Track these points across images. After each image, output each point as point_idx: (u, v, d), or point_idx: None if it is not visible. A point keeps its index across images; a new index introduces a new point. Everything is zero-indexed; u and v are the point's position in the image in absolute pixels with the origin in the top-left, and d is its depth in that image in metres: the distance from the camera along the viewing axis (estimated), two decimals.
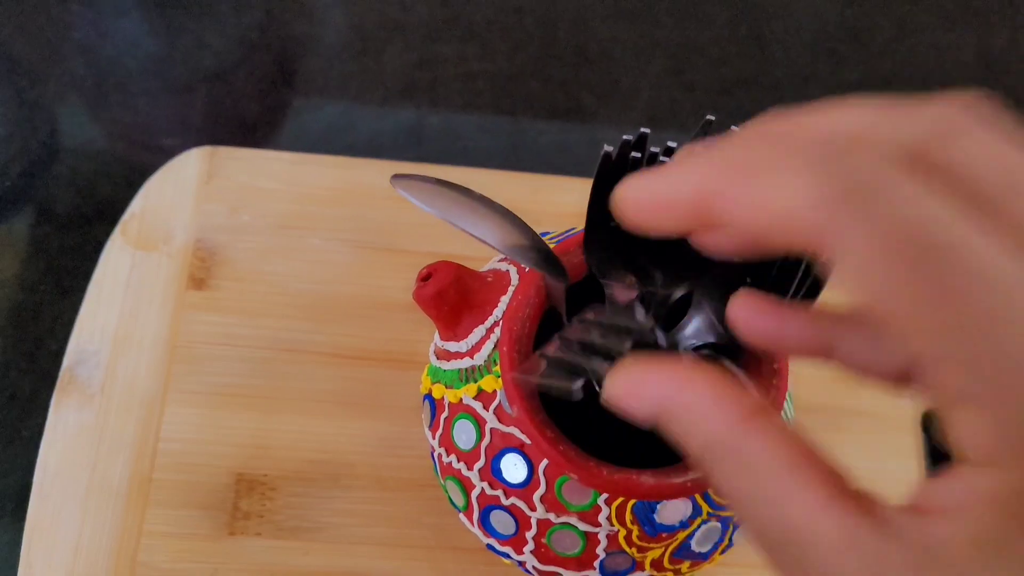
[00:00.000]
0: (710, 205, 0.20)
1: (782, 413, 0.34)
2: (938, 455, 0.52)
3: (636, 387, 0.22)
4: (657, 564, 0.34)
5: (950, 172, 0.18)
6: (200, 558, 0.44)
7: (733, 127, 0.29)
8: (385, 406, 0.48)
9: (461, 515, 0.37)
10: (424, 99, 0.60)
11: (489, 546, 0.36)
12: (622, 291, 0.32)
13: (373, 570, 0.45)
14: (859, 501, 0.19)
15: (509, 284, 0.35)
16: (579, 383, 0.26)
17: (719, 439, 0.20)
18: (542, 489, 0.32)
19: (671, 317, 0.32)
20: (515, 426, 0.32)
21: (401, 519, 0.46)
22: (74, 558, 0.44)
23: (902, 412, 0.51)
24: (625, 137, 0.29)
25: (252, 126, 0.58)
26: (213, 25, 0.61)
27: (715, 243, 0.22)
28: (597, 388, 0.33)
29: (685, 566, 0.34)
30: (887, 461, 0.50)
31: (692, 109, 0.62)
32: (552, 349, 0.29)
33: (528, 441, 0.32)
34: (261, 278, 0.50)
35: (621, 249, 0.31)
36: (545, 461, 0.32)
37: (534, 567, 0.35)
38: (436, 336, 0.38)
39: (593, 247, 0.31)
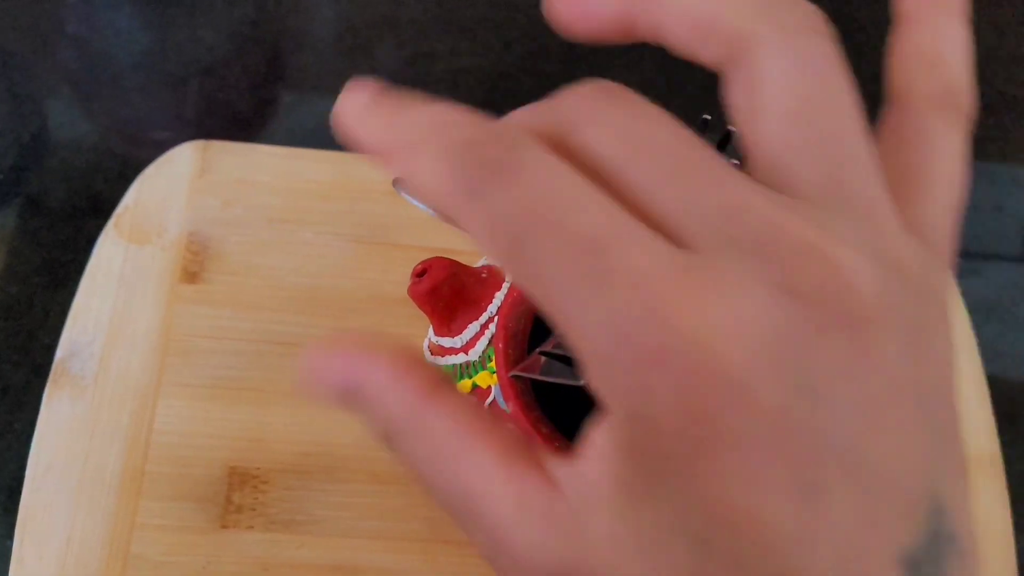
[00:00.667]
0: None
1: None
2: None
3: (322, 366, 0.21)
4: None
5: (578, 153, 0.19)
6: (193, 551, 0.44)
7: (731, 127, 0.29)
8: None
9: None
10: (416, 95, 0.60)
11: None
12: None
13: (366, 563, 0.45)
14: (530, 461, 0.19)
15: (503, 280, 0.35)
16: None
17: (400, 419, 0.20)
18: None
19: None
20: (509, 422, 0.32)
21: (395, 512, 0.46)
22: (66, 550, 0.44)
23: None
24: None
25: (245, 120, 0.58)
26: (206, 19, 0.60)
27: None
28: None
29: None
30: None
31: (682, 107, 0.63)
32: (551, 346, 0.29)
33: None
34: (254, 272, 0.50)
35: None
36: None
37: None
38: (430, 331, 0.38)
39: None
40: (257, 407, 0.47)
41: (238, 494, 0.45)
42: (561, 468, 0.19)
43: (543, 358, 0.29)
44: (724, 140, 0.30)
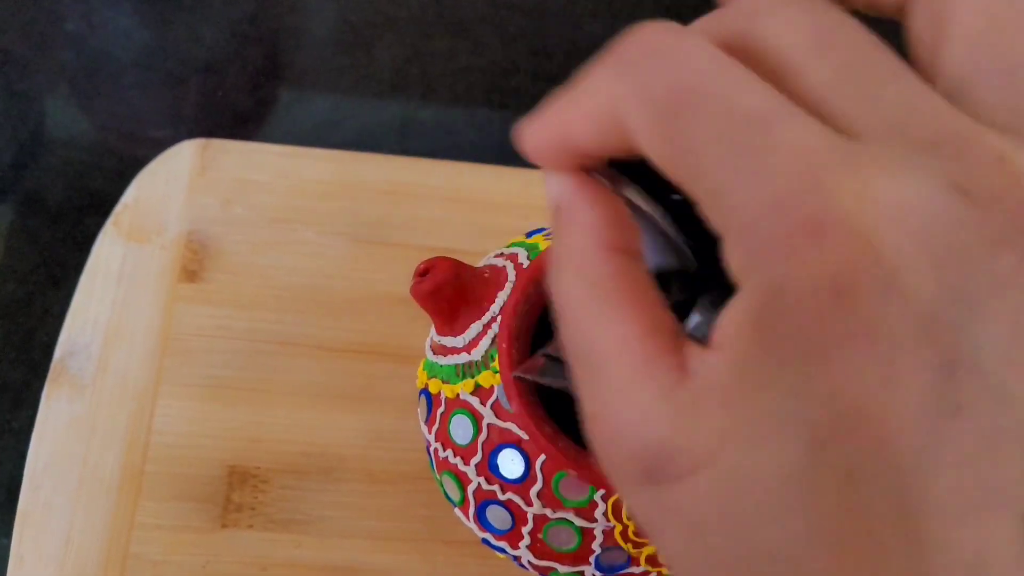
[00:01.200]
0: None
1: None
2: None
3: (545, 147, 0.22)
4: (652, 560, 0.34)
5: (754, 49, 0.18)
6: (192, 550, 0.44)
7: None
8: (378, 399, 0.48)
9: (457, 509, 0.37)
10: (415, 93, 0.60)
11: (484, 540, 0.36)
12: None
13: (365, 563, 0.45)
14: (672, 346, 0.18)
15: (506, 280, 0.35)
16: None
17: (581, 249, 0.20)
18: (539, 485, 0.33)
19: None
20: (513, 422, 0.33)
21: (393, 512, 0.46)
22: (65, 550, 0.44)
23: None
24: None
25: (244, 119, 0.58)
26: (205, 17, 0.60)
27: None
28: None
29: None
30: None
31: None
32: (555, 348, 0.29)
33: (526, 437, 0.33)
34: (254, 271, 0.50)
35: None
36: (542, 457, 0.32)
37: (529, 562, 0.35)
38: (432, 331, 0.38)
39: None
40: (256, 407, 0.47)
41: (237, 493, 0.46)
42: (697, 358, 0.18)
43: (546, 359, 0.29)
44: None
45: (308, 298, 0.50)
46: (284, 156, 0.53)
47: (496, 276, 0.36)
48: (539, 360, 0.29)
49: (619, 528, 0.33)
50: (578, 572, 0.35)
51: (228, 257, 0.50)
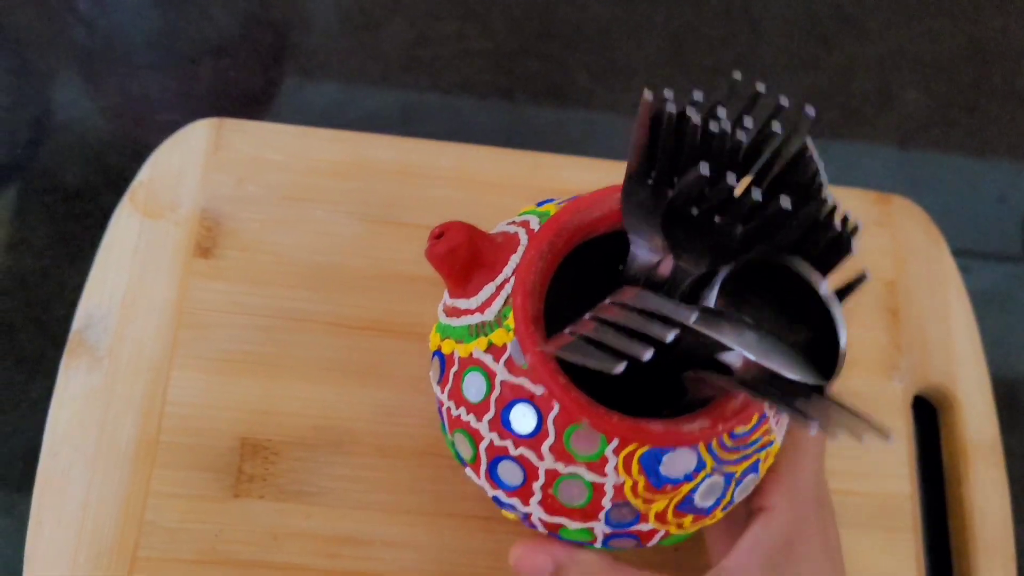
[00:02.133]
0: None
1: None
2: (925, 438, 0.54)
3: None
4: (661, 516, 0.35)
5: None
6: (205, 518, 0.46)
7: (759, 84, 0.30)
8: (387, 375, 0.49)
9: (468, 469, 0.38)
10: (424, 76, 0.61)
11: (495, 498, 0.37)
12: (648, 252, 0.33)
13: (373, 534, 0.46)
14: None
15: (519, 244, 0.36)
16: (622, 365, 0.27)
17: None
18: (551, 439, 0.33)
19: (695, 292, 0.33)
20: (526, 377, 0.33)
21: (401, 485, 0.47)
22: (83, 517, 0.45)
23: (893, 394, 0.53)
24: (665, 92, 0.30)
25: (254, 100, 0.59)
26: None
27: None
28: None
29: (688, 520, 0.35)
30: (875, 441, 0.51)
31: (687, 90, 0.63)
32: (584, 329, 0.30)
33: (537, 392, 0.33)
34: (267, 248, 0.51)
35: (655, 209, 0.32)
36: (555, 410, 0.33)
37: (540, 519, 0.36)
38: (445, 295, 0.39)
39: (630, 199, 0.32)
40: (268, 380, 0.48)
41: (249, 464, 0.47)
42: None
43: (574, 337, 0.30)
44: (752, 101, 0.30)
45: (320, 275, 0.51)
46: (297, 136, 0.54)
47: (509, 241, 0.37)
48: (566, 337, 0.30)
49: (629, 483, 0.33)
50: (587, 528, 0.35)
51: (241, 234, 0.51)
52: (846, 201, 0.57)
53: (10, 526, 0.47)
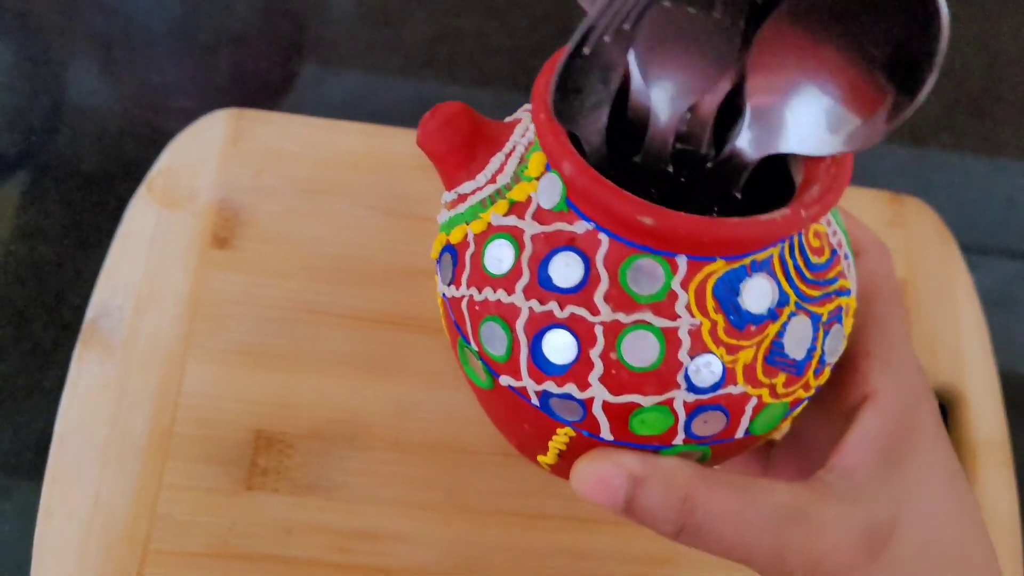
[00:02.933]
0: None
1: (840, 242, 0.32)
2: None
3: (601, 483, 0.28)
4: (750, 373, 0.28)
5: None
6: (218, 512, 0.45)
7: None
8: (404, 370, 0.49)
9: (502, 377, 0.29)
10: (444, 71, 0.61)
11: (544, 396, 0.29)
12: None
13: (387, 529, 0.46)
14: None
15: (522, 122, 0.32)
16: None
17: (679, 526, 0.28)
18: (604, 284, 0.27)
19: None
20: (561, 221, 0.28)
21: (416, 480, 0.47)
22: (94, 508, 0.44)
23: None
24: None
25: (273, 91, 0.58)
26: None
27: None
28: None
29: (781, 381, 0.29)
30: None
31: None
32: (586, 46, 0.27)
33: (579, 231, 0.28)
34: (284, 240, 0.50)
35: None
36: (603, 248, 0.27)
37: (605, 404, 0.28)
38: (444, 198, 0.33)
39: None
40: (283, 373, 0.48)
41: (263, 457, 0.46)
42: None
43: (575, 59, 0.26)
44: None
45: (337, 268, 0.50)
46: (316, 128, 0.53)
47: (513, 123, 0.32)
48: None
49: (707, 325, 0.27)
50: (665, 403, 0.28)
51: (259, 226, 0.51)
52: (859, 201, 0.57)
53: (20, 517, 0.46)
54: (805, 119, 0.28)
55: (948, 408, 0.54)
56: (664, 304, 0.27)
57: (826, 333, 0.30)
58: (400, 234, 0.51)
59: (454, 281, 0.30)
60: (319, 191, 0.52)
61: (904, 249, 0.56)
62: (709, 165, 0.31)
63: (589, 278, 0.27)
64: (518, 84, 0.61)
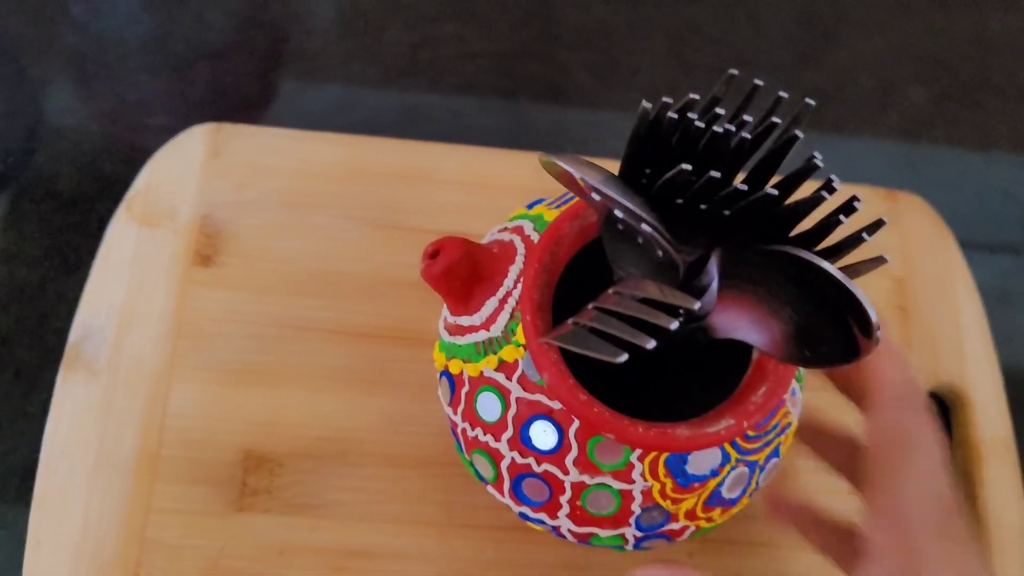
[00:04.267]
0: None
1: (791, 390, 0.35)
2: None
3: None
4: (691, 514, 0.34)
5: None
6: (209, 534, 0.44)
7: (757, 81, 0.29)
8: (393, 383, 0.48)
9: (490, 487, 0.37)
10: (425, 78, 0.60)
11: (522, 515, 0.36)
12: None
13: (382, 547, 0.45)
14: None
15: (516, 253, 0.35)
16: (624, 356, 0.27)
17: None
18: (574, 453, 0.33)
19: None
20: (542, 394, 0.33)
21: (410, 497, 0.46)
22: (82, 534, 0.44)
23: None
24: (665, 99, 0.29)
25: (252, 104, 0.58)
26: (212, 1, 0.60)
27: None
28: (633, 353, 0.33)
29: (717, 513, 0.35)
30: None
31: (691, 89, 0.63)
32: (586, 318, 0.29)
33: (556, 407, 0.32)
34: (268, 255, 0.50)
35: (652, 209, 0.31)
36: (575, 425, 0.32)
37: (569, 530, 0.35)
38: (444, 312, 0.38)
39: (609, 229, 0.31)
40: (271, 390, 0.47)
41: (253, 477, 0.45)
42: None
43: (572, 326, 0.29)
44: (750, 95, 0.30)
45: (322, 282, 0.50)
46: (297, 140, 0.53)
47: (505, 251, 0.36)
48: (567, 327, 0.29)
49: (657, 487, 0.33)
50: (619, 535, 0.35)
51: (242, 241, 0.50)
52: None
53: (8, 544, 0.45)
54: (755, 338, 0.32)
55: (950, 408, 0.53)
56: (623, 472, 0.33)
57: (762, 470, 0.35)
58: (384, 245, 0.51)
59: (452, 406, 0.36)
60: (301, 204, 0.51)
61: (901, 247, 0.55)
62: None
63: (562, 446, 0.33)
64: (501, 89, 0.60)
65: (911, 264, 0.55)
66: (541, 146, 0.55)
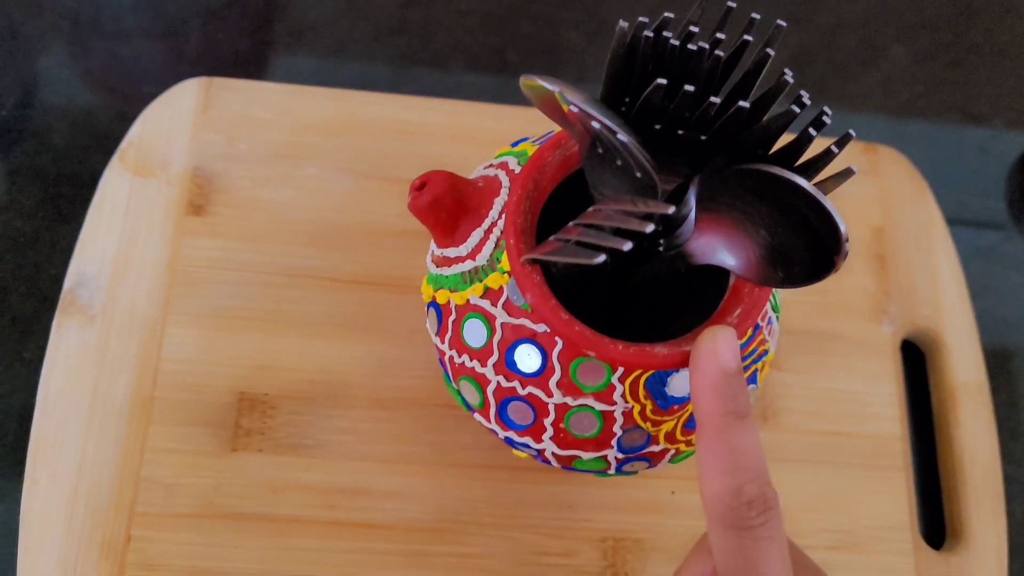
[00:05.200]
0: None
1: (765, 311, 0.36)
2: (915, 381, 0.54)
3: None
4: (671, 436, 0.35)
5: None
6: (203, 473, 0.45)
7: (730, 2, 0.30)
8: (383, 329, 0.49)
9: (476, 414, 0.38)
10: (415, 37, 0.61)
11: (507, 440, 0.37)
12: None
13: (373, 485, 0.46)
14: None
15: (500, 187, 0.36)
16: (601, 256, 0.28)
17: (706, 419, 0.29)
18: (557, 375, 0.34)
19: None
20: (526, 318, 0.33)
21: (400, 437, 0.47)
22: (78, 475, 0.45)
23: (882, 338, 0.53)
24: (641, 19, 0.30)
25: (244, 62, 0.58)
26: None
27: None
28: (610, 263, 0.34)
29: (695, 437, 0.35)
30: (866, 383, 0.52)
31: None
32: (567, 235, 0.30)
33: (540, 330, 0.33)
34: (259, 205, 0.51)
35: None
36: (558, 347, 0.33)
37: (553, 453, 0.36)
38: (432, 246, 0.39)
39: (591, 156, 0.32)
40: (264, 335, 0.48)
41: (247, 419, 0.46)
42: None
43: (557, 242, 0.30)
44: (725, 17, 0.31)
45: (313, 231, 0.50)
46: (287, 94, 0.53)
47: (490, 184, 0.37)
48: (551, 243, 0.30)
49: (637, 408, 0.34)
50: (601, 457, 0.36)
51: (233, 192, 0.51)
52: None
53: (6, 487, 0.46)
54: (731, 262, 0.32)
55: (926, 353, 0.55)
56: (604, 393, 0.34)
57: None
58: (374, 196, 0.52)
59: (439, 335, 0.38)
60: (292, 156, 0.52)
61: (879, 197, 0.57)
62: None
63: (546, 368, 0.34)
64: (491, 47, 0.61)
65: (889, 215, 0.56)
66: (531, 103, 0.56)
